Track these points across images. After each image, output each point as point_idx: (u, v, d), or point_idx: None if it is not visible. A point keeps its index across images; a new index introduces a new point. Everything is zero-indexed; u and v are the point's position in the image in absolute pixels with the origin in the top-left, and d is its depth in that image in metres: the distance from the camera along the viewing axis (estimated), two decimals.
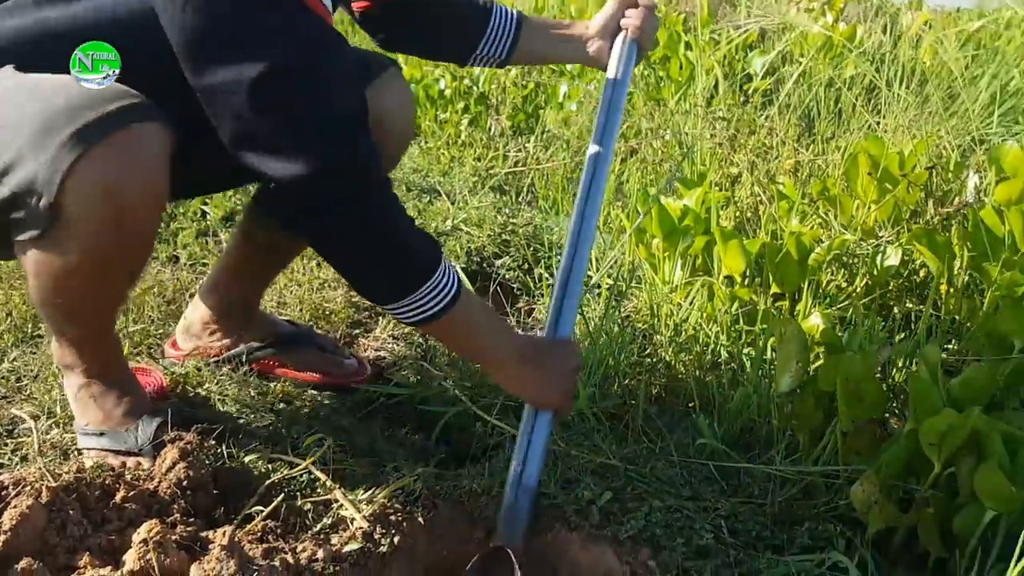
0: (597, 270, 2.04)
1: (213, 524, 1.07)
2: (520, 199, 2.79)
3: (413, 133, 1.26)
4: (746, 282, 1.85)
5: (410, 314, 1.09)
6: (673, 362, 1.67)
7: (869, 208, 1.98)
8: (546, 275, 2.06)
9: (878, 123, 2.69)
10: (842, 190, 2.08)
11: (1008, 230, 1.71)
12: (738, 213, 2.36)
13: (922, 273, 1.89)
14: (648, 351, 1.72)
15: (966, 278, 1.73)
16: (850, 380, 1.20)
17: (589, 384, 1.49)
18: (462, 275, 1.11)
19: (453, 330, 1.14)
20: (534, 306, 2.01)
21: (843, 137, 2.64)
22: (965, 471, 1.09)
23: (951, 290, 1.73)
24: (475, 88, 3.59)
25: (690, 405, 1.52)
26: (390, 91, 1.39)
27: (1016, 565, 0.94)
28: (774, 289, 1.82)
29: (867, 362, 1.23)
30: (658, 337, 1.76)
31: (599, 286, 1.96)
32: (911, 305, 1.82)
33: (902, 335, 1.63)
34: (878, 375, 1.33)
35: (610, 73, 1.37)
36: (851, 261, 1.89)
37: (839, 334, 1.44)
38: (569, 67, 3.92)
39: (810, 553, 1.10)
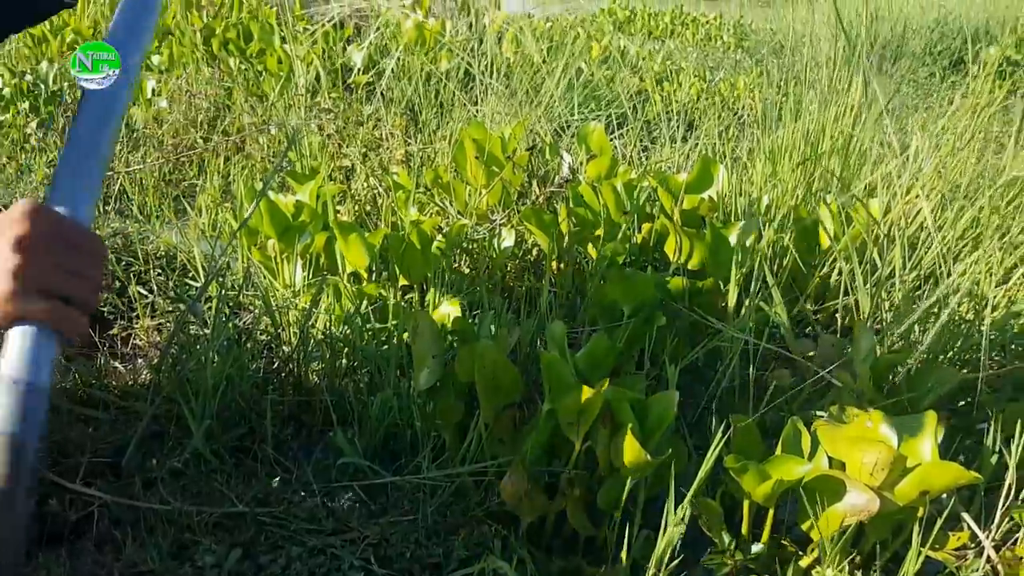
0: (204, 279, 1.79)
1: None
2: (108, 208, 2.39)
3: None
4: (373, 277, 1.76)
5: None
6: (304, 373, 1.50)
7: (481, 192, 2.00)
8: (143, 292, 1.75)
9: (476, 113, 2.77)
10: (453, 177, 2.08)
11: (603, 203, 1.84)
12: (356, 207, 2.27)
13: (535, 252, 1.96)
14: (276, 365, 1.53)
15: (575, 252, 1.81)
16: (486, 367, 1.15)
17: (205, 416, 1.26)
18: None
19: None
20: (132, 331, 1.70)
21: (447, 127, 2.68)
22: (602, 444, 1.10)
23: (563, 265, 1.81)
24: (43, 86, 3.04)
25: (328, 421, 1.37)
26: None
27: (664, 534, 0.95)
28: (402, 281, 1.75)
29: (500, 346, 1.20)
30: (284, 348, 1.58)
31: (210, 298, 1.72)
32: (531, 283, 1.87)
33: (527, 313, 1.66)
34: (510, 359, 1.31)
35: None
36: (471, 247, 1.89)
37: (470, 321, 1.40)
38: (155, 60, 3.52)
39: (468, 566, 1.02)
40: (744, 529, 1.11)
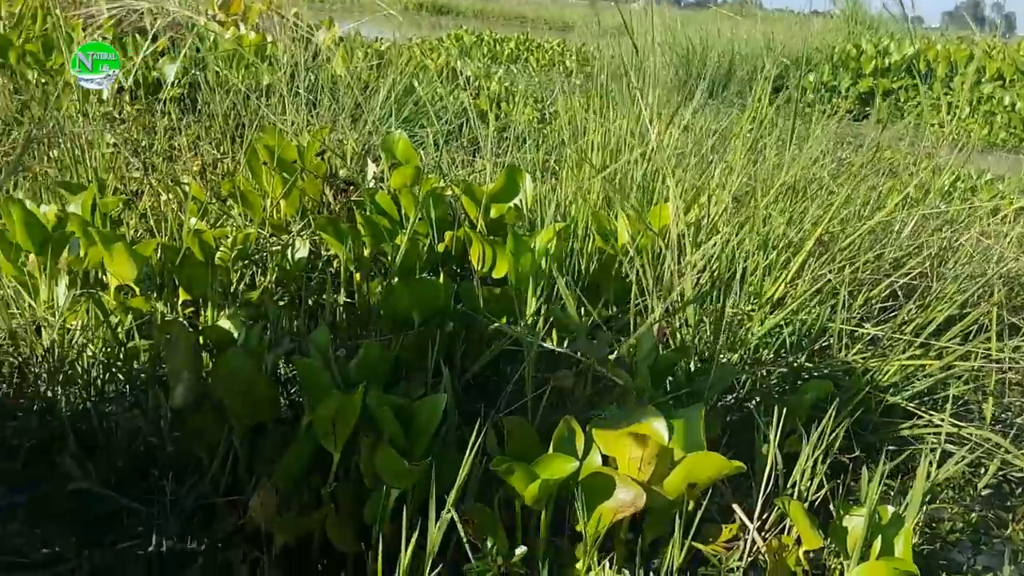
0: None
1: None
2: None
3: None
4: (151, 291, 1.61)
5: None
6: (57, 400, 1.34)
7: (277, 203, 1.89)
8: None
9: (294, 124, 2.65)
10: (252, 188, 1.95)
11: (404, 213, 1.77)
12: (147, 222, 2.09)
13: (335, 263, 1.86)
14: (28, 390, 1.36)
15: (373, 262, 1.74)
16: (238, 378, 1.05)
17: None
18: None
19: None
20: None
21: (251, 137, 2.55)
22: (364, 454, 1.02)
23: (359, 276, 1.72)
24: None
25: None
26: None
27: (407, 549, 0.88)
28: (183, 296, 1.61)
29: (255, 356, 1.09)
30: (35, 370, 1.40)
31: None
32: (329, 298, 1.77)
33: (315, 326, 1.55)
34: (277, 372, 1.21)
35: None
36: (262, 257, 1.77)
37: (236, 333, 1.28)
38: None
39: None
40: (518, 533, 1.06)
